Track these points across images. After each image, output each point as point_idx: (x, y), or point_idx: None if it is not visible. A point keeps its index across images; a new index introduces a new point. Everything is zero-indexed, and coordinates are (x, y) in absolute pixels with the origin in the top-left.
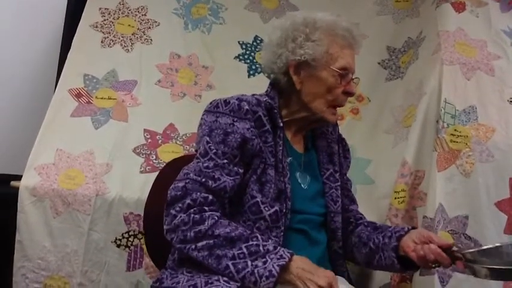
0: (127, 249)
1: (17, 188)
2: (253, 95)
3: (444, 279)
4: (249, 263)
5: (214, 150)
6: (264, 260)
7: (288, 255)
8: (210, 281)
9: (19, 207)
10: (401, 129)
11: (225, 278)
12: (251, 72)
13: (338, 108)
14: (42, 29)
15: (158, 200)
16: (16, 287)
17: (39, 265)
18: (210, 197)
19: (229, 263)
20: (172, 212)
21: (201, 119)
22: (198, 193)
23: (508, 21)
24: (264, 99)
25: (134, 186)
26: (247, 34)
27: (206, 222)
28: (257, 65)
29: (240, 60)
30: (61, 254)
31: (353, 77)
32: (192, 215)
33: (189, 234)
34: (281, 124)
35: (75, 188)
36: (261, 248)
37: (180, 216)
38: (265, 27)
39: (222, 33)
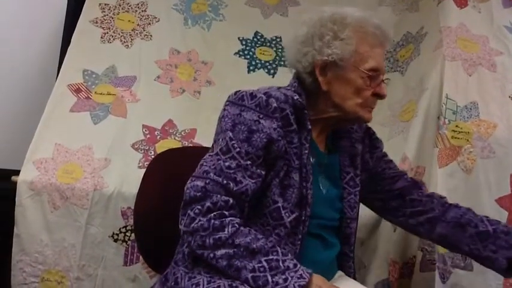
0: (124, 243)
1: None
2: (279, 88)
3: (445, 275)
4: (269, 278)
5: (238, 149)
6: (284, 277)
7: (308, 275)
8: (234, 284)
9: (17, 201)
10: (398, 123)
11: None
12: (251, 68)
13: None
14: (43, 24)
15: (148, 194)
16: (14, 281)
17: (37, 259)
18: (231, 200)
19: (249, 276)
20: (191, 213)
21: (224, 109)
22: (219, 195)
23: (510, 16)
24: (295, 97)
25: (132, 181)
26: (247, 30)
27: (226, 230)
28: (257, 61)
29: (240, 56)
30: (58, 248)
31: (384, 78)
32: (212, 221)
33: (207, 240)
34: (309, 126)
35: (73, 182)
36: (281, 263)
37: (199, 220)
38: (266, 22)
39: (221, 30)
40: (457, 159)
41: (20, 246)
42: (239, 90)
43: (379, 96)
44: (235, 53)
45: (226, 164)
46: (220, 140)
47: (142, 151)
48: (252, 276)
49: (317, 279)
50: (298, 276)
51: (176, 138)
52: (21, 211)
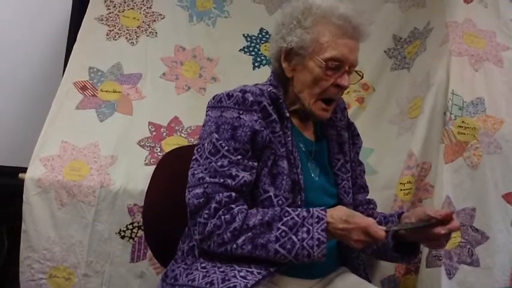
0: (131, 240)
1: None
2: (255, 84)
3: (451, 271)
4: (294, 238)
5: (226, 148)
6: (305, 229)
7: (324, 214)
8: (227, 278)
9: (24, 198)
10: (406, 120)
11: (242, 274)
12: (256, 64)
13: (343, 96)
14: (48, 22)
15: (158, 191)
16: (22, 278)
17: (45, 256)
18: (233, 194)
19: (276, 247)
20: (201, 220)
21: (206, 115)
22: (221, 194)
23: None
24: (268, 89)
25: (139, 178)
26: (252, 27)
27: (237, 218)
28: (262, 57)
29: (245, 52)
30: (66, 245)
31: (349, 69)
32: (223, 217)
33: (225, 235)
34: (287, 114)
35: (80, 179)
36: (296, 218)
37: (211, 222)
38: (271, 19)
39: (226, 27)
40: (463, 155)
41: (28, 243)
42: (217, 94)
43: (339, 87)
44: (240, 50)
45: (219, 163)
46: (206, 144)
47: (149, 148)
48: (279, 245)
49: (333, 219)
50: (316, 220)
51: (182, 135)
52: (29, 208)
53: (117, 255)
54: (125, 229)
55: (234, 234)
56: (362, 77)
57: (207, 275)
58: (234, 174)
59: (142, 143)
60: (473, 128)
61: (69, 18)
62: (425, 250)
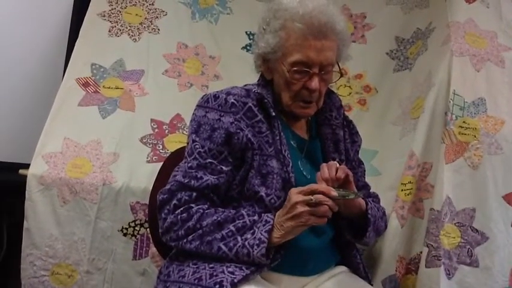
0: (133, 238)
1: (25, 176)
2: (245, 85)
3: (450, 271)
4: (239, 238)
5: (199, 149)
6: (252, 231)
7: (271, 217)
8: (215, 273)
9: (27, 195)
10: (409, 121)
11: (230, 269)
12: None
13: (345, 98)
14: (50, 17)
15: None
16: (24, 274)
17: (47, 253)
18: (194, 193)
19: (221, 244)
20: (163, 215)
21: (193, 113)
22: (183, 192)
23: None
24: (254, 89)
25: (141, 175)
26: (255, 24)
27: (193, 218)
28: None
29: (248, 50)
30: (68, 242)
31: (323, 70)
32: (180, 215)
33: (180, 232)
34: (273, 114)
35: (83, 176)
36: (247, 222)
37: (169, 218)
38: None
39: (229, 24)
40: (464, 155)
41: (30, 240)
42: (205, 94)
43: (308, 90)
44: (243, 47)
45: (189, 165)
46: (187, 143)
47: (151, 145)
48: (223, 243)
49: (277, 215)
50: (264, 223)
51: (184, 132)
52: (31, 205)
53: (120, 253)
54: (127, 226)
55: (187, 233)
56: (342, 75)
57: (197, 271)
58: (199, 176)
59: (144, 140)
60: (474, 129)
61: (71, 14)
62: (424, 251)
